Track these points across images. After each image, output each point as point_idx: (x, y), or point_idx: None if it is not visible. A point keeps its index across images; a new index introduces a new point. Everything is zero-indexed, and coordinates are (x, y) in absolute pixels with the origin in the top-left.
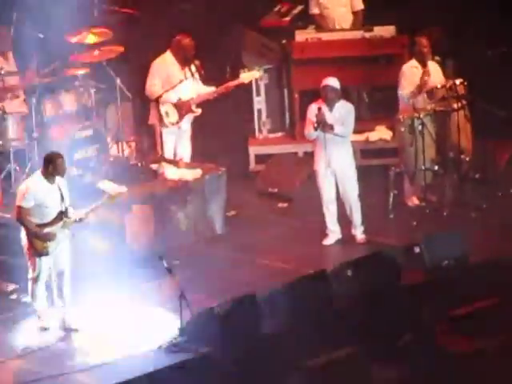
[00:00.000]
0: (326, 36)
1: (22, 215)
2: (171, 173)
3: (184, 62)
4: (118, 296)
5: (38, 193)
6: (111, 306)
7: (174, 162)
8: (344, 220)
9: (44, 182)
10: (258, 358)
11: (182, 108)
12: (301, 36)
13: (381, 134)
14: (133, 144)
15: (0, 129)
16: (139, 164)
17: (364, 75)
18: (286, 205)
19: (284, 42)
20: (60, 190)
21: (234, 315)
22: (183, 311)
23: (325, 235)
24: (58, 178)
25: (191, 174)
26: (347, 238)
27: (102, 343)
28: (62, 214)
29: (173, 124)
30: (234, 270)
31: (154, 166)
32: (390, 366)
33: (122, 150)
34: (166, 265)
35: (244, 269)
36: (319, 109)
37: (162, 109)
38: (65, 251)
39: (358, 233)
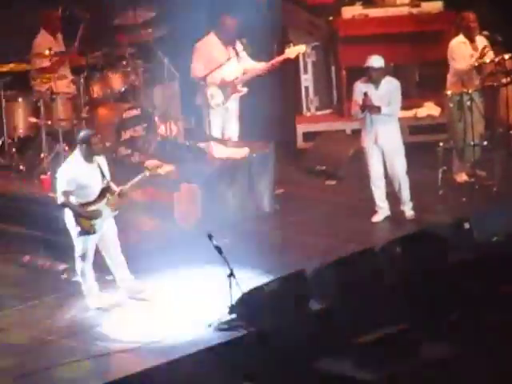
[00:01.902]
0: (372, 12)
1: (65, 198)
2: (219, 151)
3: (227, 42)
4: (167, 275)
5: (77, 174)
6: (160, 285)
7: (222, 141)
8: (393, 197)
9: (82, 162)
10: (308, 336)
11: (227, 88)
12: (347, 13)
13: (429, 110)
14: (180, 123)
15: (49, 109)
16: (187, 143)
17: (411, 51)
18: (334, 182)
19: (331, 19)
20: (100, 167)
21: (283, 292)
22: (232, 289)
23: (373, 212)
24: (96, 157)
25: (239, 153)
26: (396, 215)
27: (151, 322)
28: (104, 191)
29: (219, 105)
30: (282, 247)
31: (201, 145)
32: (441, 342)
33: (170, 130)
34: (214, 243)
35: (292, 246)
36: (365, 94)
37: (208, 91)
38: (111, 227)
39: (407, 209)
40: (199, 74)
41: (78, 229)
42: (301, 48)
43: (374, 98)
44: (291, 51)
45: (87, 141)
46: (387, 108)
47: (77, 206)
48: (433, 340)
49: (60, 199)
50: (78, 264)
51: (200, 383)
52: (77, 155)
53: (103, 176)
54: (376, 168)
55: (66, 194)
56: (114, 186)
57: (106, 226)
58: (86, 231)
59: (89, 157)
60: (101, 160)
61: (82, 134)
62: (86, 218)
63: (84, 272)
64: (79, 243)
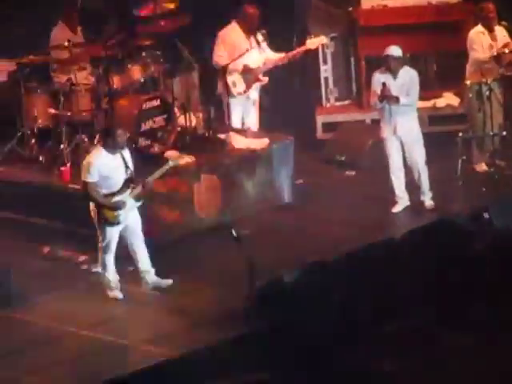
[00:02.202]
0: (391, 3)
1: (88, 189)
2: (239, 142)
3: (249, 31)
4: (187, 266)
5: (101, 166)
6: (179, 274)
7: (242, 132)
8: (412, 187)
9: (106, 154)
10: (328, 326)
11: (249, 77)
12: (367, 3)
13: (448, 100)
14: (200, 114)
15: (68, 100)
16: (207, 134)
17: (430, 42)
18: (353, 173)
19: (350, 9)
20: (123, 159)
21: (303, 283)
22: (252, 280)
23: (393, 202)
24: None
25: (259, 143)
26: (416, 205)
27: (168, 313)
28: (128, 182)
29: (240, 94)
30: (302, 237)
31: (221, 136)
32: (461, 332)
33: (190, 120)
34: (234, 234)
35: (312, 237)
36: (384, 84)
37: (229, 79)
38: (136, 218)
39: (427, 199)
40: (222, 61)
41: (102, 219)
42: (322, 39)
43: (393, 87)
44: (312, 42)
45: (112, 133)
46: (406, 98)
47: (101, 197)
48: (453, 330)
49: (82, 189)
50: (101, 255)
51: (219, 375)
52: (100, 147)
53: (127, 167)
54: (395, 158)
55: (90, 185)
56: (136, 178)
57: (131, 217)
58: (111, 222)
59: (112, 149)
60: (124, 151)
61: (107, 126)
62: (110, 209)
63: (106, 263)
64: (103, 234)
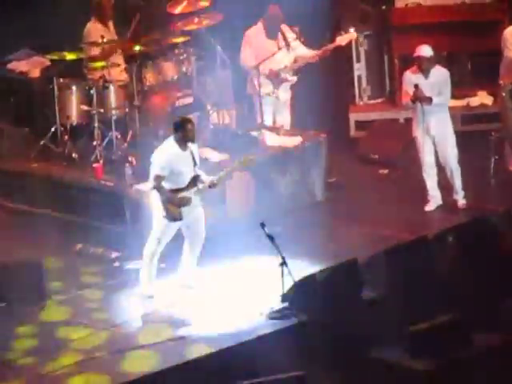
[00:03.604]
0: (425, 1)
1: (157, 183)
2: (272, 140)
3: (274, 31)
4: (220, 263)
5: (172, 160)
6: (213, 273)
7: (275, 129)
8: (445, 186)
9: (177, 148)
10: (360, 325)
11: (276, 78)
12: (400, 2)
13: (482, 99)
14: (233, 111)
15: (101, 97)
16: (239, 131)
17: (464, 41)
18: (386, 171)
19: (384, 7)
20: (192, 155)
21: (335, 281)
22: (284, 278)
23: (426, 201)
24: (189, 144)
25: (292, 141)
26: (448, 204)
27: (204, 311)
28: (195, 180)
29: (268, 94)
30: (334, 236)
31: (254, 133)
32: (493, 331)
33: (223, 118)
34: (267, 232)
35: (345, 235)
36: (416, 86)
37: (256, 80)
38: (201, 217)
39: (459, 198)
40: (249, 63)
41: (164, 214)
42: (352, 35)
43: (425, 87)
44: (342, 38)
45: (183, 126)
46: (438, 98)
47: (168, 192)
48: (485, 329)
49: (152, 183)
50: (150, 246)
51: (251, 372)
52: (171, 141)
53: (195, 163)
54: (428, 157)
55: (159, 178)
56: (204, 175)
57: (196, 214)
58: (173, 217)
59: (183, 143)
60: (193, 147)
61: (178, 119)
62: (175, 205)
63: (150, 256)
64: (160, 227)
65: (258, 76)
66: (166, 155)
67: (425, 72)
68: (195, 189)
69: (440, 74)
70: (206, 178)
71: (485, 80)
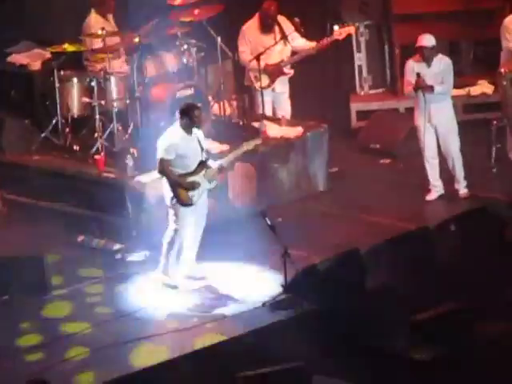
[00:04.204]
0: None
1: (164, 167)
2: (273, 130)
3: (266, 27)
4: (221, 254)
5: (178, 145)
6: (214, 263)
7: (276, 120)
8: (446, 175)
9: (183, 133)
10: (361, 314)
11: (272, 72)
12: None
13: (483, 88)
14: (234, 103)
15: (102, 89)
16: (241, 122)
17: (465, 29)
18: (388, 161)
19: None
20: (199, 140)
21: (337, 271)
22: (286, 268)
23: (427, 190)
24: (195, 129)
25: (293, 132)
26: (450, 193)
27: (206, 301)
28: (203, 164)
29: (264, 88)
30: (336, 226)
31: (255, 124)
32: (496, 320)
33: (224, 109)
34: (268, 222)
35: (346, 225)
36: (418, 75)
37: (252, 74)
38: (205, 203)
39: (461, 187)
40: (244, 56)
41: (176, 199)
42: (350, 29)
43: (427, 76)
44: (339, 32)
45: (189, 112)
46: (440, 87)
47: (175, 176)
48: (488, 318)
49: (158, 167)
50: (167, 236)
51: (254, 361)
52: (177, 126)
53: (202, 149)
54: (429, 146)
55: (164, 162)
56: (211, 159)
57: (201, 199)
58: (184, 203)
59: (189, 129)
60: (199, 133)
61: (184, 105)
62: (185, 189)
63: (167, 246)
64: (178, 215)
65: (254, 71)
66: (170, 138)
67: (427, 61)
68: (203, 173)
69: (442, 63)
70: (213, 163)
71: (485, 68)
